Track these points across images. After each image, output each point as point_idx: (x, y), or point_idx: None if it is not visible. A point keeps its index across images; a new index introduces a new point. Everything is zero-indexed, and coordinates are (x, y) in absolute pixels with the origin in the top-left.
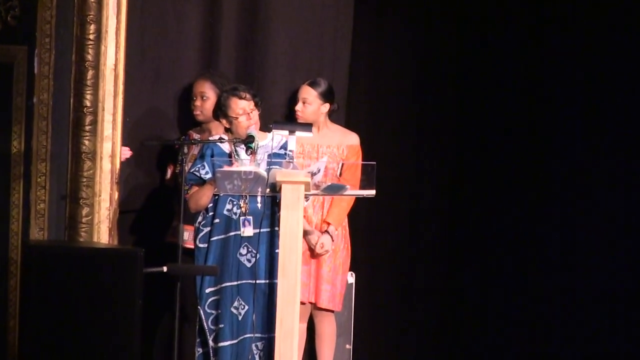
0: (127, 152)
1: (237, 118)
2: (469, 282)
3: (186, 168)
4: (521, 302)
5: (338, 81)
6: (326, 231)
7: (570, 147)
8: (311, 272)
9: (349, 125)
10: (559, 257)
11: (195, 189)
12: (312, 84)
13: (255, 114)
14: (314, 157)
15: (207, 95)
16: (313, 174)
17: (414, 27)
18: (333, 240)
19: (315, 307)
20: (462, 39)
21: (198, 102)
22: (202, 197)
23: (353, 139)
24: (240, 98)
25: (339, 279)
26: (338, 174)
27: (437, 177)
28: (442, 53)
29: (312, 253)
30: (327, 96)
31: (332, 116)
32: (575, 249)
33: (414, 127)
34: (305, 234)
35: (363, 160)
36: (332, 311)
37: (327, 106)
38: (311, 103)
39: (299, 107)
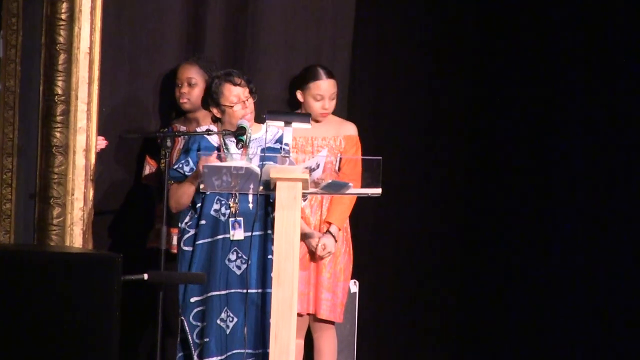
0: (102, 143)
1: (231, 107)
2: (485, 290)
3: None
4: (541, 314)
5: (339, 66)
6: (328, 231)
7: (595, 140)
8: (310, 279)
9: (351, 116)
10: (581, 264)
11: (175, 185)
12: (334, 77)
13: (251, 103)
14: (308, 151)
15: (194, 81)
16: (311, 170)
17: (425, 5)
18: (336, 241)
19: (314, 319)
20: (480, 19)
21: (185, 89)
22: (183, 196)
23: (350, 129)
24: (235, 84)
25: (340, 286)
26: (337, 168)
27: (449, 173)
28: (457, 35)
29: (312, 257)
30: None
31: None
32: (597, 251)
33: (424, 118)
34: (304, 236)
35: (366, 154)
36: (333, 323)
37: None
38: (335, 98)
39: (328, 104)
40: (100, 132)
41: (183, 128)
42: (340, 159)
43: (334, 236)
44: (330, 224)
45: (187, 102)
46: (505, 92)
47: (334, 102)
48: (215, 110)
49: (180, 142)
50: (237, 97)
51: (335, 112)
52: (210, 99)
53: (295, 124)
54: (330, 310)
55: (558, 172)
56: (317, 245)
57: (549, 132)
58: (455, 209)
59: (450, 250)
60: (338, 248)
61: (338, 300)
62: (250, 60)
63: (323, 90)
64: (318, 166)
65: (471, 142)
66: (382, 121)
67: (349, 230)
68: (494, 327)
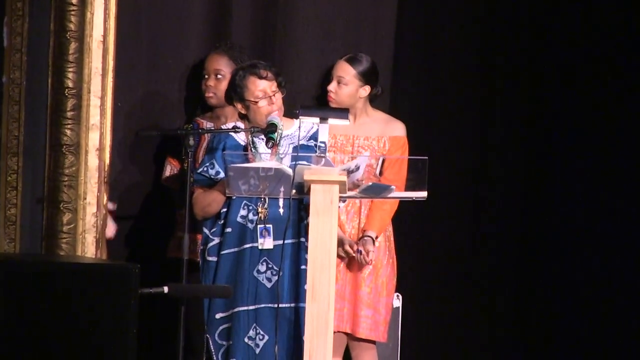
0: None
1: (256, 102)
2: (542, 305)
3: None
4: (605, 329)
5: (380, 56)
6: (368, 236)
7: None
8: (345, 294)
9: (394, 112)
10: None
11: (200, 190)
12: (351, 60)
13: (279, 97)
14: (348, 151)
15: (222, 74)
16: (350, 172)
17: None
18: (374, 244)
19: (352, 337)
20: (537, 6)
21: (211, 82)
22: (212, 204)
23: (397, 129)
24: (260, 77)
25: (382, 302)
26: (378, 172)
27: (503, 174)
28: (514, 19)
29: (348, 268)
30: (368, 77)
31: (375, 101)
32: None
33: (476, 114)
34: (338, 243)
35: (411, 155)
36: (374, 342)
37: (367, 89)
38: (347, 83)
39: (332, 86)
40: (116, 129)
41: (209, 125)
42: (383, 161)
43: (373, 240)
44: (365, 231)
45: (213, 97)
46: (566, 86)
47: (345, 90)
48: (239, 106)
49: (207, 141)
50: (263, 92)
51: (377, 106)
52: (234, 92)
53: (331, 121)
54: (371, 328)
55: (621, 174)
56: (355, 251)
57: (613, 131)
58: (510, 215)
59: (504, 261)
60: (379, 259)
61: (381, 317)
62: (282, 50)
63: (334, 70)
64: (358, 168)
65: (527, 140)
66: (428, 118)
67: (392, 238)
68: (551, 347)
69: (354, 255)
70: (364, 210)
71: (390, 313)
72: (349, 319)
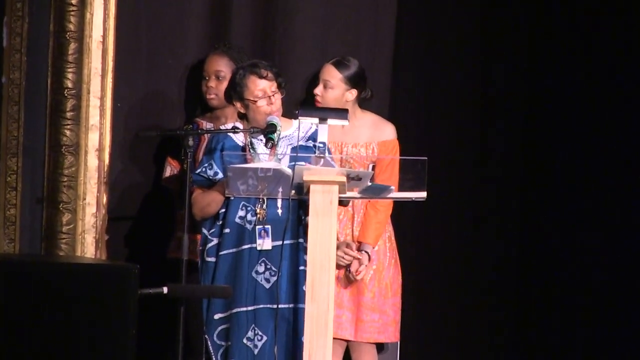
0: None
1: (255, 102)
2: (545, 308)
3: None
4: (606, 329)
5: (380, 56)
6: (365, 251)
7: None
8: (343, 301)
9: (394, 112)
10: None
11: (199, 191)
12: (338, 64)
13: (278, 98)
14: (337, 159)
15: (223, 74)
16: (350, 178)
17: None
18: (370, 259)
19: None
20: (535, 9)
21: (212, 83)
22: (210, 204)
23: (386, 133)
24: (261, 77)
25: (388, 303)
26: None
27: (504, 174)
28: (513, 19)
29: (345, 276)
30: (355, 81)
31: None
32: None
33: (476, 114)
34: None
35: (408, 155)
36: (374, 344)
37: (353, 93)
38: (334, 87)
39: (318, 90)
40: (115, 129)
41: (209, 125)
42: (373, 167)
43: (369, 254)
44: (361, 243)
45: (214, 98)
46: (566, 86)
47: (331, 94)
48: (238, 105)
49: (206, 141)
50: (263, 92)
51: (377, 111)
52: (234, 91)
53: (331, 121)
54: (379, 331)
55: (622, 174)
56: (349, 264)
57: (614, 131)
58: (510, 215)
59: (504, 261)
60: (381, 262)
61: (389, 318)
62: (282, 48)
63: (320, 73)
64: (360, 179)
65: (527, 140)
66: (428, 118)
67: (393, 238)
68: (552, 347)
69: (357, 257)
70: (357, 218)
71: (399, 312)
72: (350, 326)
